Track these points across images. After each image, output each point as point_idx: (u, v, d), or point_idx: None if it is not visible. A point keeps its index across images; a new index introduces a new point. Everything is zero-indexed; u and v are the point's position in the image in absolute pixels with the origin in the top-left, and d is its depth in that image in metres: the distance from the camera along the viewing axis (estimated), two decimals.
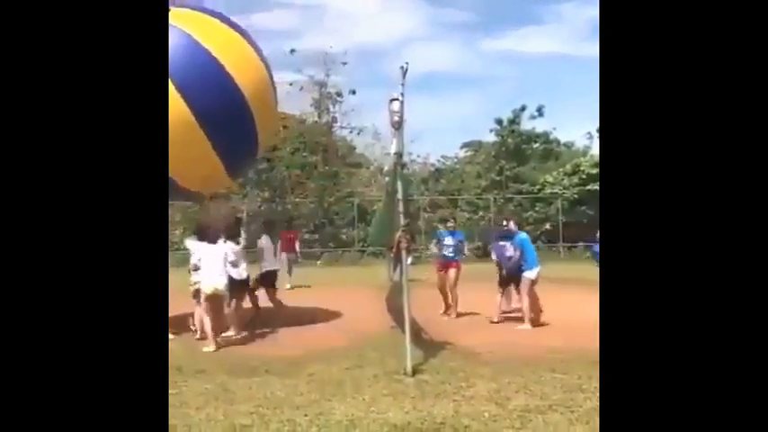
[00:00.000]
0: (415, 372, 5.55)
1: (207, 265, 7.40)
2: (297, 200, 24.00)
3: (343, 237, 23.21)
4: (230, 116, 7.11)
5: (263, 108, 7.54)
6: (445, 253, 9.47)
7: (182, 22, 7.06)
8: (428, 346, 6.72)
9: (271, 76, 8.01)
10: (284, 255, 13.92)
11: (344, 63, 25.65)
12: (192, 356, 6.56)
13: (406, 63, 6.47)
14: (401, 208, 6.44)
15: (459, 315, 9.30)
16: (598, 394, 4.80)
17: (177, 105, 6.54)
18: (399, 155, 6.53)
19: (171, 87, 6.40)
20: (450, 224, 10.18)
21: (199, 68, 6.93)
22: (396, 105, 6.34)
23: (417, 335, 6.73)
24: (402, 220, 6.45)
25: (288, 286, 13.41)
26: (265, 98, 7.64)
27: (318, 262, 21.54)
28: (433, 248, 10.12)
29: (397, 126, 6.34)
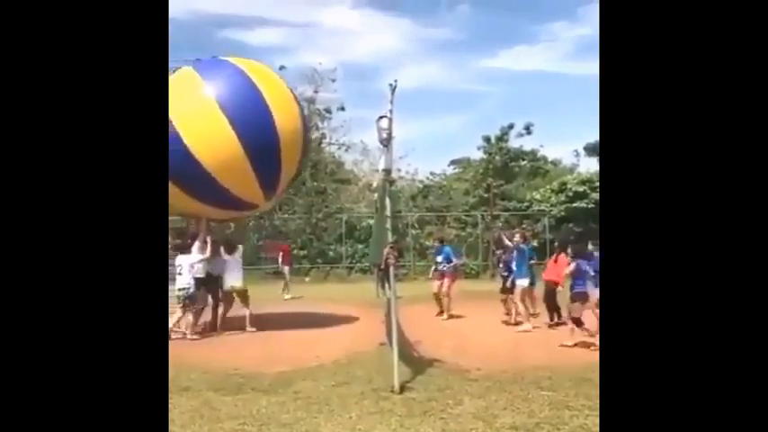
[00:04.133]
0: (402, 389, 5.52)
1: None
2: (285, 216, 23.92)
3: (332, 253, 23.11)
4: (267, 151, 8.57)
5: (291, 153, 8.93)
6: (439, 267, 11.40)
7: (245, 67, 8.89)
8: (416, 362, 6.69)
9: (305, 125, 9.53)
10: (286, 268, 15.76)
11: (333, 80, 25.79)
12: (177, 373, 6.48)
13: (395, 80, 6.54)
14: (389, 224, 6.44)
15: (450, 317, 10.86)
16: (585, 411, 4.83)
17: (231, 139, 8.20)
18: (388, 171, 6.55)
19: (227, 123, 8.18)
20: (436, 243, 12.33)
21: (252, 109, 8.46)
22: (384, 122, 6.38)
23: (406, 352, 6.71)
24: (390, 237, 6.45)
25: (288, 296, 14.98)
26: (294, 144, 9.02)
27: (307, 278, 21.41)
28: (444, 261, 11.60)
29: (386, 143, 6.37)
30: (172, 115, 8.07)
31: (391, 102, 6.47)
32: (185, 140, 8.18)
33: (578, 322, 7.89)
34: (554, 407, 4.98)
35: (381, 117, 6.48)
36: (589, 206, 23.18)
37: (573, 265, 8.11)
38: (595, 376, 5.93)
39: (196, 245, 9.28)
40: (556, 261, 9.73)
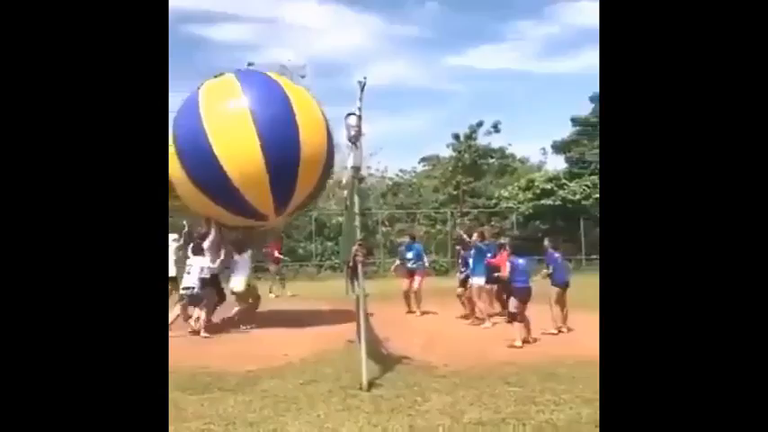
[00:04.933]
0: (370, 386, 5.52)
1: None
2: None
3: (301, 251, 22.98)
4: (285, 170, 8.69)
5: (308, 176, 9.01)
6: (408, 264, 11.39)
7: (285, 86, 9.25)
8: (385, 360, 6.70)
9: (329, 155, 9.50)
10: (274, 267, 15.57)
11: (303, 76, 25.60)
12: None
13: (365, 78, 6.50)
14: (357, 222, 6.44)
15: (423, 313, 11.02)
16: (551, 407, 4.89)
17: (256, 150, 8.40)
18: (356, 169, 6.54)
19: (255, 134, 8.39)
20: (407, 240, 12.08)
21: (281, 128, 8.66)
22: (352, 120, 6.37)
23: (375, 349, 6.71)
24: (358, 234, 6.45)
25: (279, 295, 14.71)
26: (313, 169, 9.07)
27: (277, 276, 21.22)
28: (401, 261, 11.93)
29: (354, 140, 6.36)
30: (204, 116, 8.58)
31: (360, 99, 6.45)
32: (213, 143, 8.46)
33: (513, 317, 8.00)
34: (520, 402, 5.04)
35: (350, 114, 6.47)
36: (556, 203, 23.51)
37: (508, 265, 8.26)
38: (561, 371, 6.04)
39: (207, 246, 9.34)
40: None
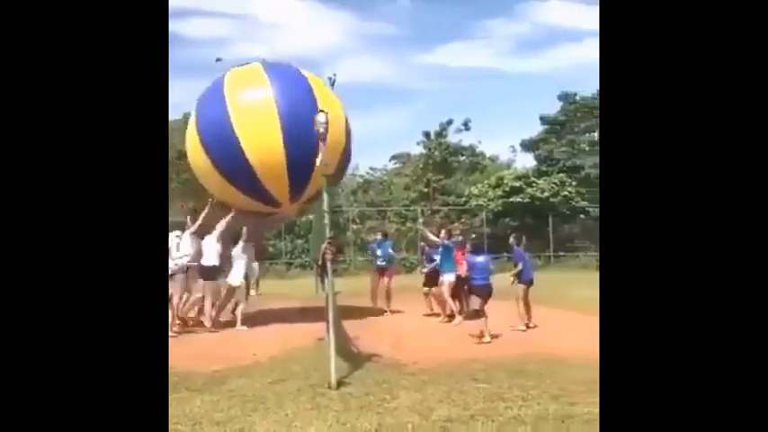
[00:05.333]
0: (339, 384, 5.50)
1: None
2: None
3: (271, 249, 22.81)
4: (303, 162, 8.56)
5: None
6: (378, 262, 11.21)
7: (311, 80, 9.16)
8: (354, 358, 6.68)
9: (346, 154, 9.66)
10: (256, 264, 14.41)
11: None
12: None
13: (334, 74, 6.50)
14: (327, 219, 6.40)
15: (393, 312, 10.81)
16: (518, 402, 4.93)
17: (278, 139, 8.64)
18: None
19: (278, 125, 8.62)
20: (379, 236, 11.86)
21: (304, 121, 8.19)
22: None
23: (344, 347, 6.68)
24: (328, 232, 6.41)
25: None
26: (332, 158, 8.77)
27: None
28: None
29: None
30: (230, 104, 8.83)
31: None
32: (238, 133, 8.70)
33: (476, 314, 8.08)
34: (488, 399, 5.07)
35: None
36: (525, 201, 23.75)
37: (465, 263, 8.36)
38: (528, 368, 6.09)
39: (216, 236, 9.32)
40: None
